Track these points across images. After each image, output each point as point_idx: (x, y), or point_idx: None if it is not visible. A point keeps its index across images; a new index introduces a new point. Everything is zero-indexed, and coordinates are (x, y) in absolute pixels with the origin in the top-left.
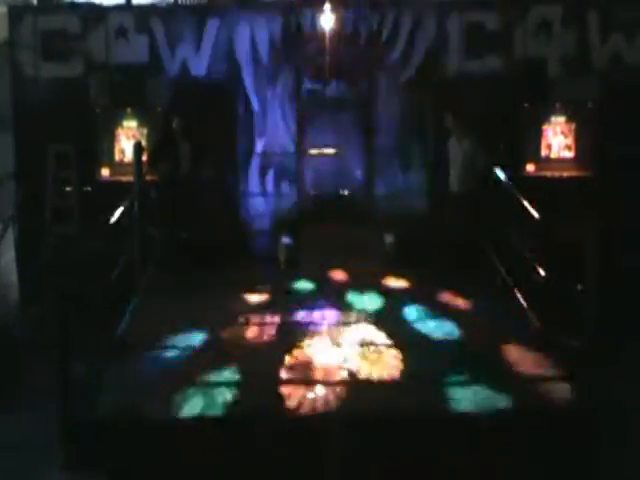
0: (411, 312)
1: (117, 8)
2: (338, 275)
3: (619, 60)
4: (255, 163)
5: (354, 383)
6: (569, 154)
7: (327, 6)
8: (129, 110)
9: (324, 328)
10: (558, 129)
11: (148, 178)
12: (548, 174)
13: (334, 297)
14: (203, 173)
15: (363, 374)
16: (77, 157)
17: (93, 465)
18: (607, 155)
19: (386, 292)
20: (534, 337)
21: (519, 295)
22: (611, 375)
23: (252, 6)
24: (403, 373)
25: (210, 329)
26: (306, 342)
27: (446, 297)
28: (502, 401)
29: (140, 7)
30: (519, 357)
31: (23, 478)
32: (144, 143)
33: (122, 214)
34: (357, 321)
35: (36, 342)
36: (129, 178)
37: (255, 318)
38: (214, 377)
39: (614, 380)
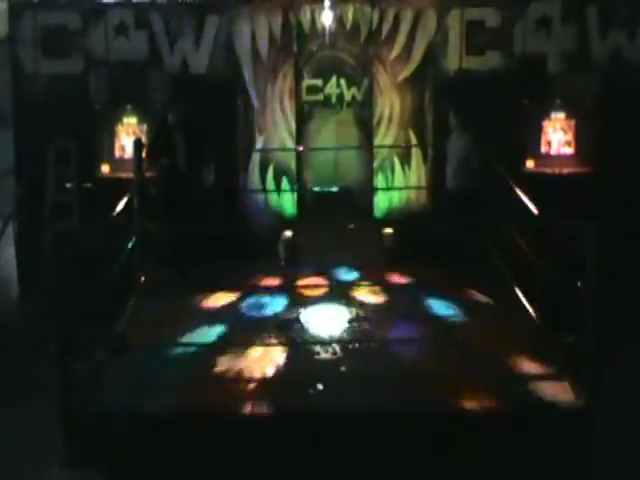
0: (408, 307)
1: (117, 4)
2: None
3: (619, 56)
4: (255, 159)
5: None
6: (569, 150)
7: (327, 2)
8: (129, 106)
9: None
10: (558, 125)
11: (148, 175)
12: (548, 170)
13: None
14: (203, 169)
15: (354, 370)
16: (77, 153)
17: (93, 462)
18: (607, 151)
19: (385, 286)
20: (534, 334)
21: (519, 292)
22: (611, 374)
23: (252, 2)
24: (397, 369)
25: (211, 325)
26: (305, 337)
27: (445, 293)
28: (500, 399)
29: (140, 3)
30: (519, 355)
31: (22, 476)
32: (144, 140)
33: (122, 210)
34: (355, 315)
35: (35, 339)
36: (129, 174)
37: (255, 315)
38: (216, 373)
39: (614, 379)
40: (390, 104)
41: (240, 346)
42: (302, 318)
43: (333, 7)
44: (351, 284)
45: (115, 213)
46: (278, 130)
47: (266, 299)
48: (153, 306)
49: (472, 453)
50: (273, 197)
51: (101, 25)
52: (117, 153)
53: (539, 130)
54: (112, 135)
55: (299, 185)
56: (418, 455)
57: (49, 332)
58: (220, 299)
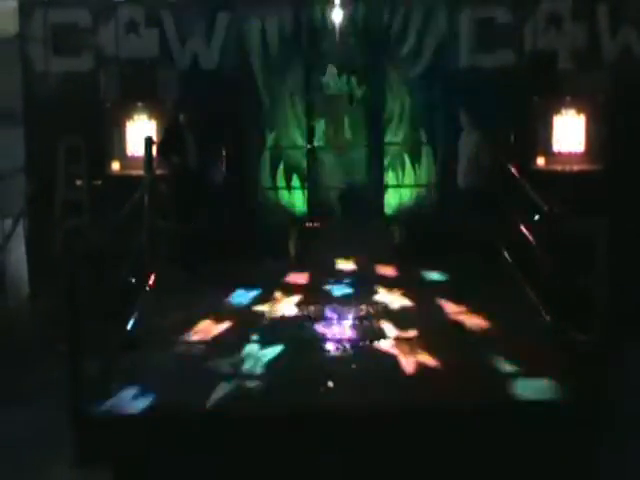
0: (417, 303)
1: (127, 1)
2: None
3: (629, 53)
4: (265, 157)
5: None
6: (580, 148)
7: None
8: (140, 104)
9: (333, 322)
10: (569, 123)
11: (158, 172)
12: (559, 168)
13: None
14: (213, 167)
15: (365, 367)
16: (87, 151)
17: (103, 461)
18: (618, 149)
19: (394, 284)
20: (543, 332)
21: (529, 289)
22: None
23: None
24: (409, 366)
25: (220, 323)
26: (314, 335)
27: (455, 290)
28: (505, 397)
29: (150, 0)
30: (526, 352)
31: (33, 474)
32: (155, 137)
33: (132, 208)
34: (365, 313)
35: (46, 337)
36: (139, 172)
37: (265, 313)
38: (226, 371)
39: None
40: (401, 102)
41: (249, 344)
42: (312, 316)
43: (343, 4)
44: (361, 282)
45: (125, 211)
46: (288, 128)
47: (275, 296)
48: (163, 304)
49: (476, 452)
50: (284, 195)
51: (111, 22)
52: (128, 151)
53: (550, 127)
54: (122, 133)
55: (309, 183)
56: (421, 454)
57: (60, 330)
58: (230, 297)
